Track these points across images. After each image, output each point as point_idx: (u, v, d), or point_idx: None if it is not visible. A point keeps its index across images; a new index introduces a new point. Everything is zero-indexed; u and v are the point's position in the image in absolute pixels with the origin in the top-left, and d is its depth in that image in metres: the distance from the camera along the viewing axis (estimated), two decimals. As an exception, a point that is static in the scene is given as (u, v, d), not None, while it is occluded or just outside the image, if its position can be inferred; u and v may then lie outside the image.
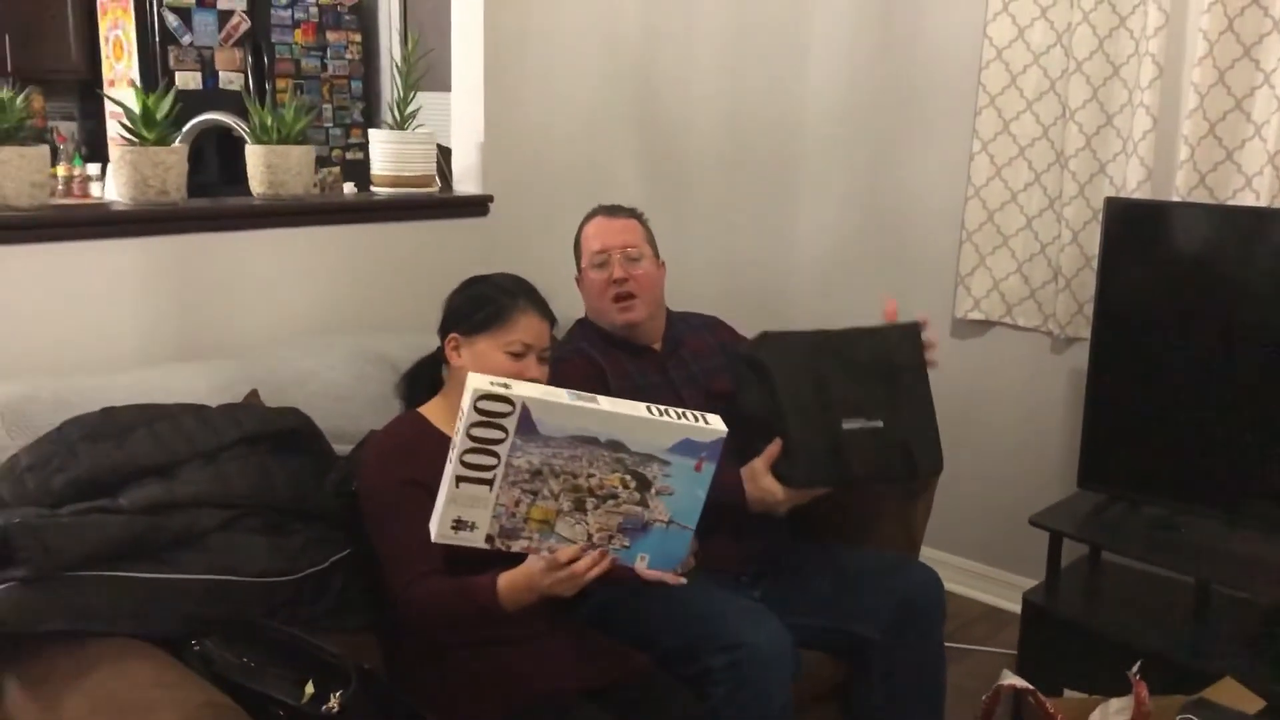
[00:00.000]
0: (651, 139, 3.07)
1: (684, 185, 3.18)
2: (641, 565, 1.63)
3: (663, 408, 1.58)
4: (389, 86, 4.93)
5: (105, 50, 4.66)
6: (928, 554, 2.67)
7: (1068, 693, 2.33)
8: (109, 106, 4.64)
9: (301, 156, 2.38)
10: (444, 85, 2.77)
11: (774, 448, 1.98)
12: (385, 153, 2.59)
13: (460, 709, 1.77)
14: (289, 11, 4.64)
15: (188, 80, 4.41)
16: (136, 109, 2.15)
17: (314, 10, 4.71)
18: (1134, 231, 2.59)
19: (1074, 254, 2.93)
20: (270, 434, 1.90)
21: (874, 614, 2.08)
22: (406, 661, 1.86)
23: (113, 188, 2.29)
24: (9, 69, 4.98)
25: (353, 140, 4.89)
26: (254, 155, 2.36)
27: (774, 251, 3.51)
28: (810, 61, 3.44)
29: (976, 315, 3.18)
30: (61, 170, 4.78)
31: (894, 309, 2.14)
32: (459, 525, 1.53)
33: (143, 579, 1.64)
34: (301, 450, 1.94)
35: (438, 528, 1.53)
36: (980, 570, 3.30)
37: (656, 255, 2.32)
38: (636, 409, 1.55)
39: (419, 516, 1.69)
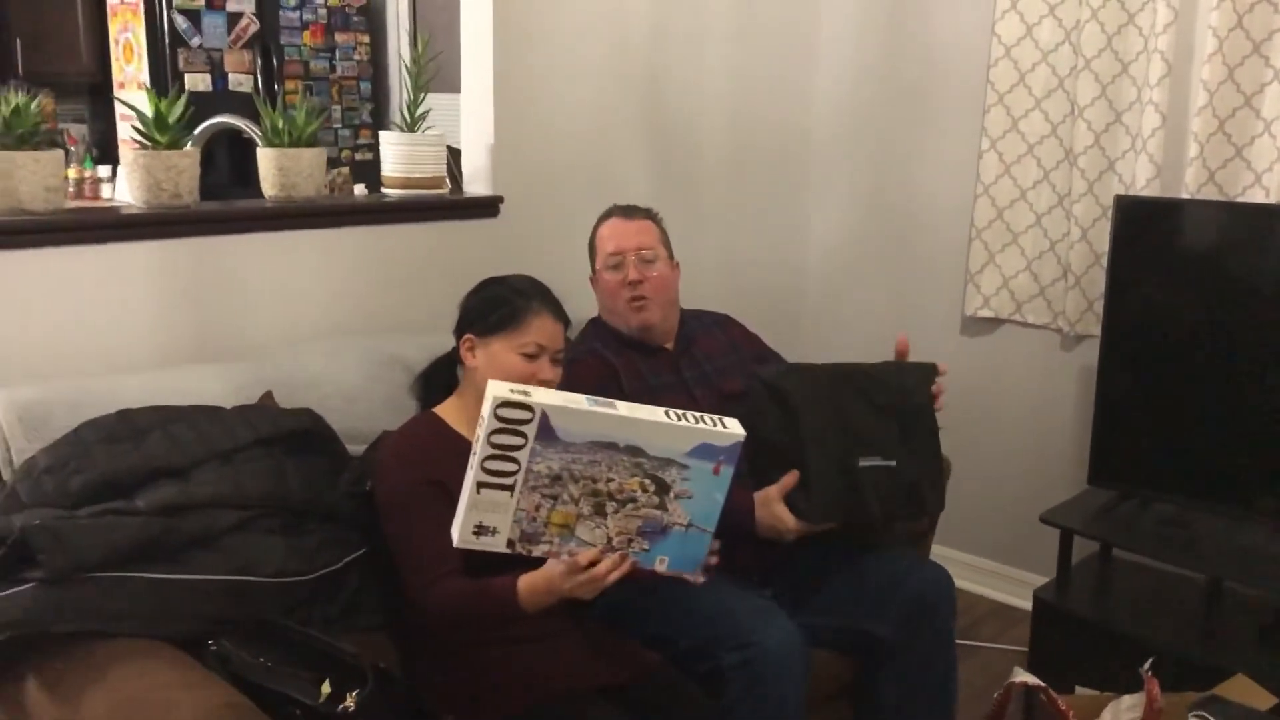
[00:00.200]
0: (660, 139, 3.07)
1: (693, 185, 3.19)
2: (661, 568, 1.65)
3: (680, 412, 1.59)
4: (398, 88, 4.94)
5: (115, 53, 4.68)
6: (938, 551, 2.67)
7: (1079, 690, 2.34)
8: (119, 109, 4.67)
9: (313, 159, 2.39)
10: (454, 87, 2.78)
11: (790, 479, 1.98)
12: (396, 155, 2.60)
13: (474, 707, 1.79)
14: (297, 13, 4.65)
15: (197, 82, 4.42)
16: (149, 113, 2.16)
17: (322, 12, 4.71)
18: (1143, 229, 2.59)
19: (1083, 251, 2.93)
20: (284, 435, 1.92)
21: (885, 612, 2.09)
22: (421, 660, 1.87)
23: (124, 189, 2.30)
24: (20, 72, 5.01)
25: (361, 141, 4.90)
26: (266, 158, 2.38)
27: (783, 250, 3.51)
28: (818, 60, 3.45)
29: (986, 313, 3.18)
30: (73, 172, 4.80)
31: (905, 344, 2.16)
32: (480, 530, 1.55)
33: (160, 580, 1.65)
34: (316, 451, 1.95)
35: (459, 533, 1.55)
36: (991, 567, 3.30)
37: (671, 256, 2.33)
38: (654, 414, 1.56)
39: (436, 517, 1.70)
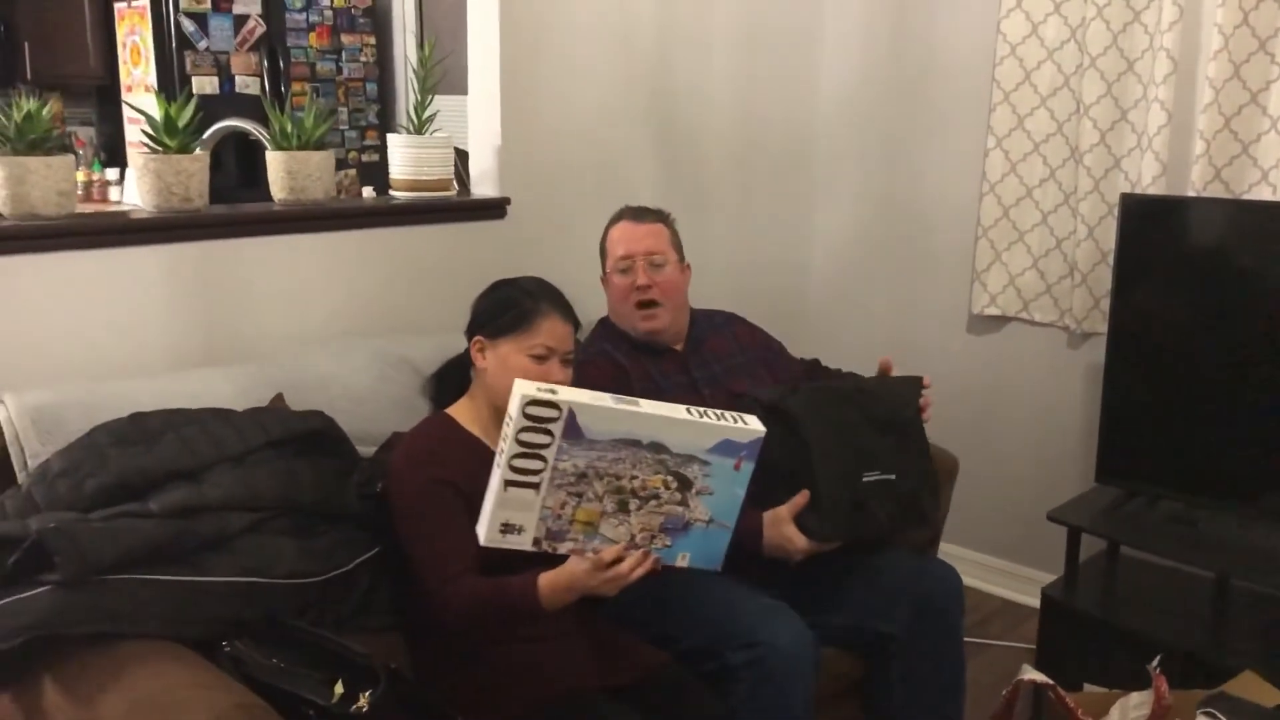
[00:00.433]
0: (667, 139, 3.08)
1: (700, 185, 3.20)
2: (682, 564, 1.66)
3: (702, 409, 1.61)
4: (404, 89, 4.95)
5: (123, 56, 4.71)
6: (946, 550, 2.68)
7: (1087, 687, 2.34)
8: (127, 112, 4.69)
9: (321, 162, 2.41)
10: (460, 89, 2.79)
11: (801, 499, 1.99)
12: (403, 157, 2.62)
13: (485, 707, 1.80)
14: (304, 15, 4.67)
15: (204, 85, 4.44)
16: (159, 117, 2.17)
17: (328, 14, 4.73)
18: (1150, 226, 2.60)
19: (1090, 249, 2.93)
20: (295, 437, 1.93)
21: (893, 610, 2.09)
22: (433, 660, 1.89)
23: (133, 193, 2.31)
24: (28, 75, 5.03)
25: (368, 142, 4.91)
26: (274, 161, 2.39)
27: (790, 250, 3.52)
28: (824, 60, 3.45)
29: (993, 311, 3.18)
30: (81, 175, 4.83)
31: (889, 364, 2.22)
32: (507, 529, 1.56)
33: (174, 582, 1.66)
34: (326, 452, 1.96)
35: (486, 532, 1.56)
36: (999, 565, 3.30)
37: (681, 259, 2.34)
38: (677, 411, 1.58)
39: (451, 516, 1.72)
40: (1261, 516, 2.48)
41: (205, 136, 2.53)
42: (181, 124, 2.18)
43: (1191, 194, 2.70)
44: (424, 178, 2.62)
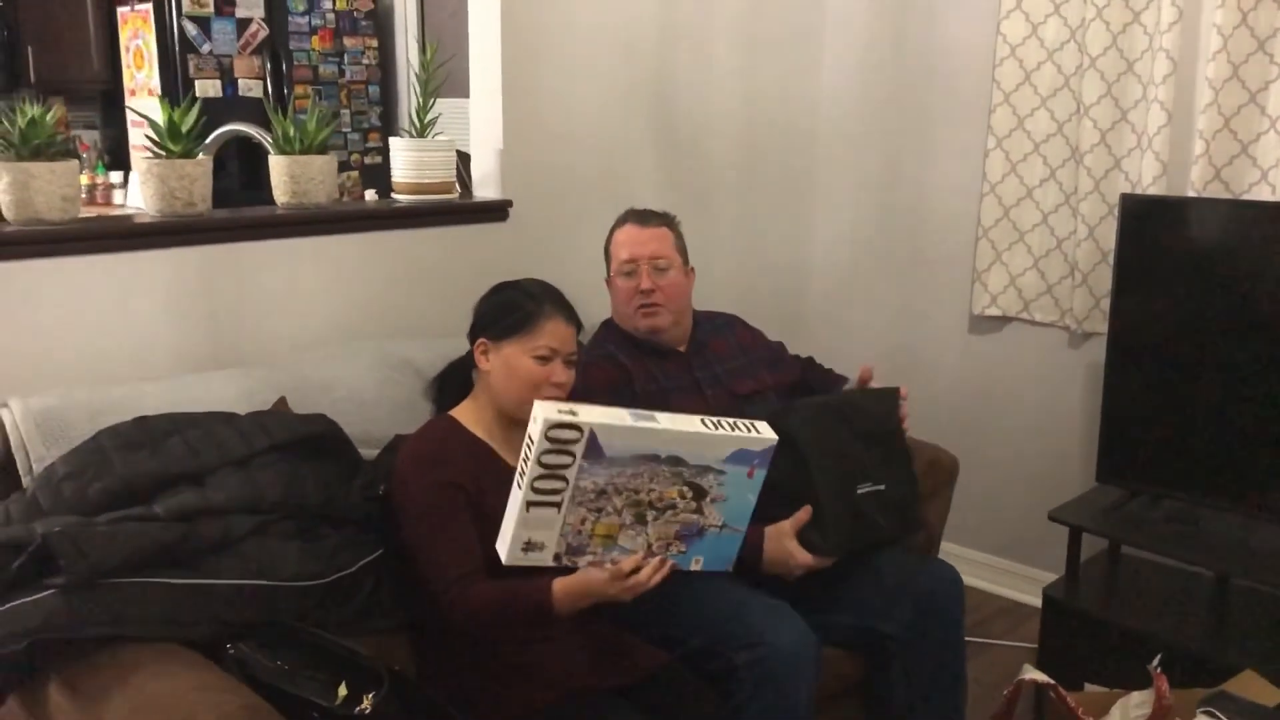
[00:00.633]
0: (668, 142, 3.09)
1: (701, 187, 3.20)
2: (696, 568, 1.70)
3: (715, 419, 1.63)
4: (406, 91, 4.96)
5: (126, 60, 4.72)
6: (947, 549, 2.69)
7: (1088, 687, 2.35)
8: (131, 115, 4.70)
9: (324, 166, 2.41)
10: (462, 91, 2.80)
11: (803, 514, 2.00)
12: (406, 160, 2.62)
13: (488, 707, 1.81)
14: (306, 18, 4.68)
15: (207, 88, 4.45)
16: (162, 122, 2.18)
17: (331, 16, 4.74)
18: (1150, 227, 2.60)
19: (1090, 249, 2.94)
20: (299, 440, 1.94)
21: (894, 610, 2.10)
22: (436, 661, 1.90)
23: (136, 196, 2.32)
24: (31, 79, 5.05)
25: (370, 145, 4.92)
26: (277, 165, 2.40)
27: (790, 251, 3.53)
28: (824, 62, 3.46)
29: (994, 311, 3.19)
30: (85, 179, 4.84)
31: (869, 372, 2.25)
32: (529, 547, 1.59)
33: (179, 585, 1.67)
34: (330, 455, 1.97)
35: (508, 551, 1.58)
36: (1000, 565, 3.31)
37: (686, 262, 2.34)
38: (692, 424, 1.60)
39: (458, 518, 1.74)
40: (1262, 516, 2.49)
41: (208, 141, 2.55)
42: (185, 129, 2.19)
43: (1191, 194, 2.70)
44: (426, 180, 2.63)
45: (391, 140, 2.68)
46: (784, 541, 1.99)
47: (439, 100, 2.64)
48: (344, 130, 4.82)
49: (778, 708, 1.85)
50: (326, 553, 1.84)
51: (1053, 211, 3.04)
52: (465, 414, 1.95)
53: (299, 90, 4.69)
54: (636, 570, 1.64)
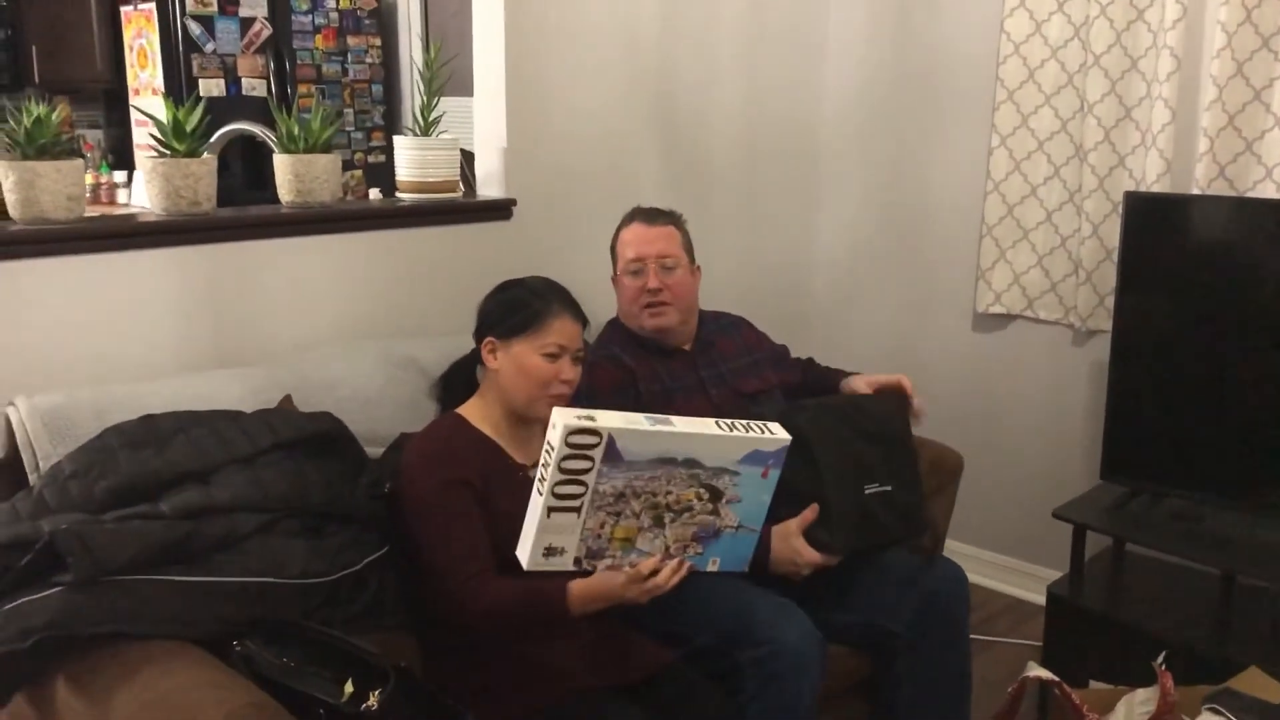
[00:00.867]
0: (672, 140, 3.09)
1: (705, 185, 3.20)
2: (713, 568, 1.71)
3: (730, 422, 1.65)
4: (410, 90, 4.96)
5: (130, 59, 4.72)
6: (952, 547, 2.69)
7: (1093, 684, 2.35)
8: (135, 114, 4.70)
9: (328, 164, 2.42)
10: (466, 90, 2.80)
11: (810, 513, 2.00)
12: (409, 159, 2.63)
13: (495, 705, 1.81)
14: (309, 17, 4.68)
15: (211, 87, 4.45)
16: (166, 121, 2.19)
17: (334, 15, 4.74)
18: (1154, 224, 2.60)
19: (1094, 247, 2.94)
20: (304, 438, 1.94)
21: (900, 608, 2.11)
22: (441, 659, 1.90)
23: (141, 195, 2.33)
24: (36, 79, 5.05)
25: (374, 144, 4.93)
26: (281, 164, 2.40)
27: (794, 249, 3.53)
28: (828, 60, 3.46)
29: (998, 309, 3.19)
30: (89, 178, 4.84)
31: (865, 385, 2.31)
32: (550, 552, 1.60)
33: (185, 582, 1.68)
34: (335, 454, 1.98)
35: (529, 557, 1.59)
36: (1004, 563, 3.31)
37: (692, 260, 2.34)
38: (708, 426, 1.62)
39: (469, 515, 1.75)
40: (1267, 513, 2.49)
41: (213, 140, 2.55)
42: (189, 128, 2.20)
43: (1195, 192, 2.70)
44: (430, 179, 2.63)
45: (396, 139, 2.68)
46: (791, 541, 1.99)
47: (442, 99, 2.64)
48: (347, 129, 4.82)
49: (783, 706, 1.85)
50: (332, 551, 1.85)
51: (1056, 209, 3.04)
52: (472, 412, 1.96)
53: (302, 89, 4.69)
54: (655, 572, 1.65)
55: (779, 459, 1.66)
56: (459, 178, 2.71)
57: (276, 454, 1.90)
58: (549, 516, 1.56)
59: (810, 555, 1.99)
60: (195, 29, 4.42)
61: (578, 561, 1.62)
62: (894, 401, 2.18)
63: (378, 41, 4.88)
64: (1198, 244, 2.58)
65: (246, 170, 4.34)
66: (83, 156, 2.25)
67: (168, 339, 2.20)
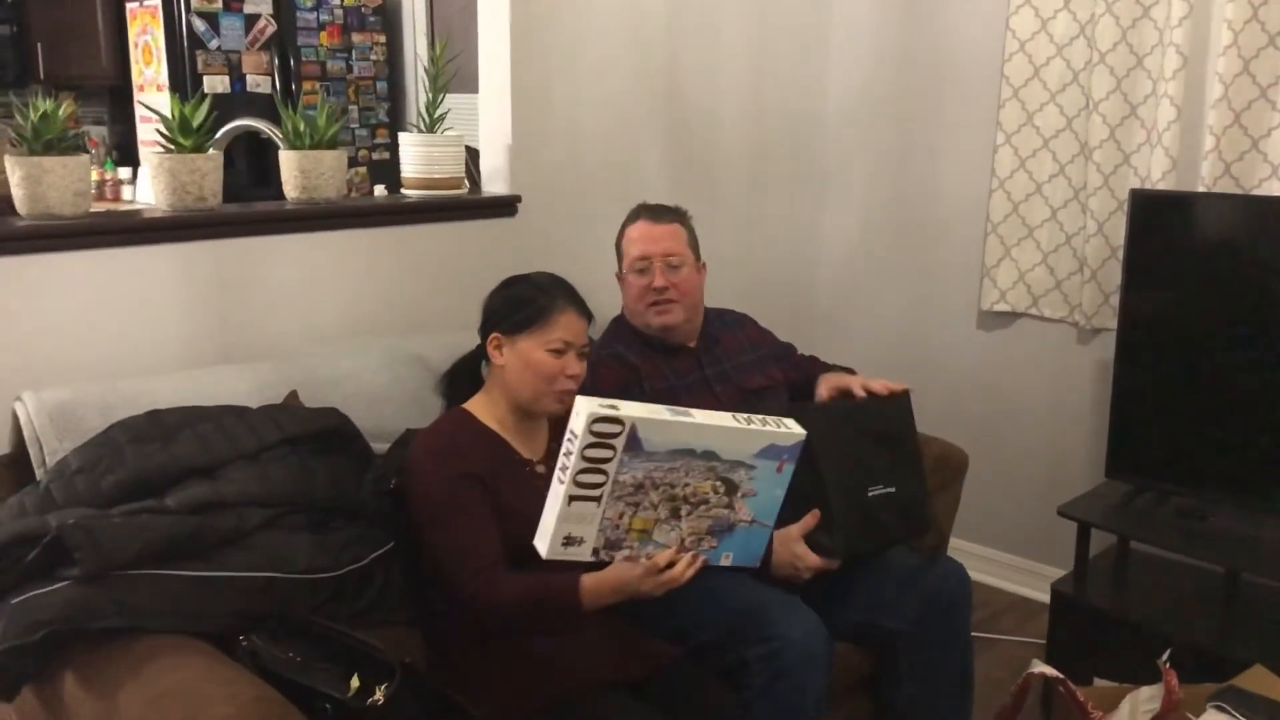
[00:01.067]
0: (677, 137, 3.09)
1: (710, 182, 3.20)
2: (726, 563, 1.71)
3: (747, 415, 1.66)
4: (414, 86, 4.97)
5: (134, 55, 4.73)
6: (956, 545, 2.69)
7: (1098, 682, 2.35)
8: (140, 110, 4.71)
9: (334, 161, 2.42)
10: (471, 87, 2.80)
11: (811, 518, 2.00)
12: (415, 156, 2.63)
13: (500, 700, 1.81)
14: (314, 14, 4.68)
15: (215, 84, 4.46)
16: (173, 117, 2.19)
17: (338, 12, 4.74)
18: (1159, 222, 2.60)
19: (1099, 245, 2.94)
20: (310, 434, 1.94)
21: (902, 606, 2.11)
22: (447, 654, 1.90)
23: (146, 191, 2.33)
24: (41, 75, 5.06)
25: (379, 141, 4.93)
26: (287, 160, 2.40)
27: (799, 245, 3.53)
28: (833, 57, 3.46)
29: (1002, 307, 3.19)
30: (94, 174, 4.85)
31: (862, 390, 2.24)
32: (569, 541, 1.60)
33: (191, 577, 1.68)
34: (341, 449, 1.98)
35: (549, 546, 1.59)
36: (1009, 561, 3.31)
37: (698, 258, 2.34)
38: (725, 419, 1.62)
39: (478, 510, 1.75)
40: (1271, 511, 2.49)
41: (218, 136, 2.55)
42: (196, 123, 2.20)
43: (1201, 189, 2.70)
44: (435, 176, 2.63)
45: (401, 135, 2.69)
46: (791, 545, 2.00)
47: (448, 96, 2.64)
48: (351, 126, 4.83)
49: (790, 702, 1.85)
50: (338, 546, 1.85)
51: (1062, 207, 3.04)
52: (478, 407, 1.96)
53: (307, 86, 4.69)
54: (670, 565, 1.65)
55: (794, 454, 1.67)
56: (464, 174, 2.71)
57: (282, 449, 1.90)
58: (570, 505, 1.56)
59: (811, 560, 1.99)
60: (200, 25, 4.42)
61: (596, 552, 1.62)
62: (901, 402, 2.18)
63: (382, 38, 4.89)
64: (1203, 242, 2.58)
65: (251, 167, 4.34)
66: (88, 152, 2.25)
67: (174, 334, 2.21)
